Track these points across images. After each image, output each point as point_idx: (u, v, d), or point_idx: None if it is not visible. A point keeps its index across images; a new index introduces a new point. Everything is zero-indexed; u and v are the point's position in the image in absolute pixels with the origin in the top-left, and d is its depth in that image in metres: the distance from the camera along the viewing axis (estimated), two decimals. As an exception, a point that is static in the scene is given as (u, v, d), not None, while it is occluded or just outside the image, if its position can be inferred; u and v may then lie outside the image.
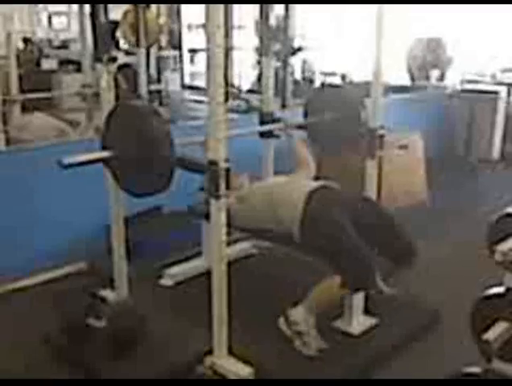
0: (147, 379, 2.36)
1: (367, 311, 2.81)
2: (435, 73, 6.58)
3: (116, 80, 2.88)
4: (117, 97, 2.65)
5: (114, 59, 2.62)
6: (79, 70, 5.77)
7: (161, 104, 5.90)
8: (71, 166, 2.27)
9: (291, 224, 2.62)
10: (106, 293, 2.99)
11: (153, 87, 4.86)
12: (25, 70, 6.90)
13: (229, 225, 2.36)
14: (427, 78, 6.61)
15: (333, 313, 2.73)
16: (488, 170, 5.85)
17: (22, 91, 5.80)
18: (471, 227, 4.17)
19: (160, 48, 7.73)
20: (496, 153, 6.15)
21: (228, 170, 2.23)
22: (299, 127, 3.20)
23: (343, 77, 8.28)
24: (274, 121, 3.33)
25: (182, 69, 8.99)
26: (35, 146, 3.60)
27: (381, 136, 2.94)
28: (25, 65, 7.11)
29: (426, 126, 5.45)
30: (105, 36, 2.61)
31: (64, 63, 7.49)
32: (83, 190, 3.24)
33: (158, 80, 6.50)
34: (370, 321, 2.78)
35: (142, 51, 4.35)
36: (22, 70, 6.73)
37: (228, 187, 2.25)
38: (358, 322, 2.75)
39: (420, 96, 6.13)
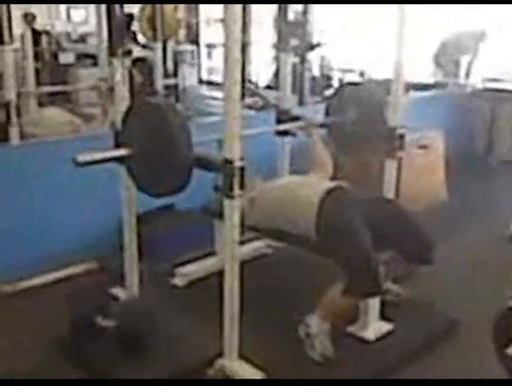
0: (148, 379, 2.30)
1: (383, 316, 2.72)
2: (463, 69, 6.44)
3: (131, 74, 2.82)
4: (131, 92, 2.60)
5: (129, 53, 2.57)
6: (96, 64, 5.76)
7: (177, 99, 5.84)
8: (86, 164, 2.22)
9: (304, 225, 2.55)
10: (117, 292, 2.95)
11: (169, 81, 4.80)
12: (42, 63, 6.92)
13: (242, 225, 2.30)
14: (456, 74, 6.45)
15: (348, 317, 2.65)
16: (509, 173, 5.69)
17: (38, 84, 5.81)
18: (491, 232, 4.09)
19: (178, 43, 7.68)
20: (517, 154, 6.01)
21: (243, 169, 2.17)
22: (320, 126, 3.11)
23: (361, 74, 8.17)
24: (292, 119, 3.25)
25: (199, 64, 8.93)
26: (48, 141, 3.54)
27: (402, 135, 2.86)
28: (42, 58, 7.12)
29: (446, 125, 5.32)
30: (119, 29, 2.55)
31: (81, 56, 7.47)
32: (96, 186, 3.17)
33: (175, 75, 6.44)
34: (386, 326, 2.70)
35: (159, 45, 4.29)
36: (40, 63, 6.78)
37: (242, 187, 2.18)
38: (373, 328, 2.66)
39: (441, 94, 6.00)
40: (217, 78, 8.43)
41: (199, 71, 8.86)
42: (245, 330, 2.29)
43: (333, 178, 3.00)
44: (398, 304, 2.84)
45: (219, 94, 6.33)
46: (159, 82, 4.19)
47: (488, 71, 6.60)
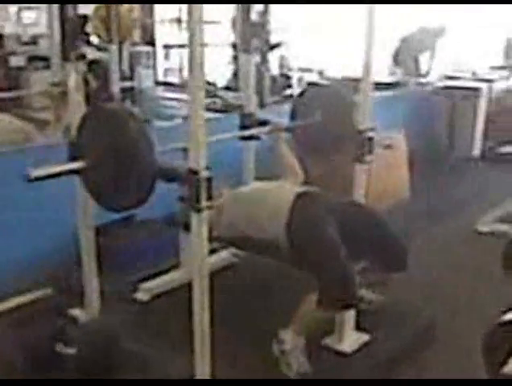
0: (148, 379, 2.19)
1: (359, 327, 2.63)
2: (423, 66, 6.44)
3: (86, 79, 2.65)
4: (87, 98, 2.44)
5: (83, 57, 2.39)
6: (49, 66, 5.51)
7: (133, 102, 5.64)
8: (39, 179, 2.04)
9: (273, 231, 2.44)
10: (76, 313, 2.78)
11: (125, 84, 4.61)
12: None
13: (209, 237, 2.17)
14: (416, 72, 6.44)
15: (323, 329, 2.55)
16: (469, 169, 5.73)
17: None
18: (457, 230, 4.07)
19: (133, 44, 7.45)
20: (477, 150, 6.04)
21: (210, 180, 2.03)
22: (286, 129, 3.00)
23: (320, 73, 8.12)
24: (259, 123, 3.12)
25: (155, 65, 8.72)
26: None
27: (371, 138, 2.77)
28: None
29: (407, 124, 5.31)
30: (73, 32, 2.38)
31: (32, 59, 7.16)
32: (47, 198, 2.92)
33: (131, 77, 6.23)
34: (363, 337, 2.60)
35: (115, 46, 4.10)
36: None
37: (210, 198, 2.05)
38: (350, 340, 2.56)
39: (402, 93, 5.98)
40: (174, 79, 8.24)
41: (155, 73, 8.64)
42: (216, 348, 2.16)
43: (305, 182, 2.89)
44: (373, 312, 2.75)
45: (176, 95, 6.17)
46: (116, 85, 4.00)
47: (447, 68, 6.65)
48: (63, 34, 2.35)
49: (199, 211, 2.03)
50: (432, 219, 4.25)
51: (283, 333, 2.35)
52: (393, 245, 2.52)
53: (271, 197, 2.53)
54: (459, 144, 5.98)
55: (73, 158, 2.28)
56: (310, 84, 3.58)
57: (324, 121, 3.04)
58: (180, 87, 6.37)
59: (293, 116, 3.14)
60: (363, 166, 2.81)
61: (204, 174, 2.01)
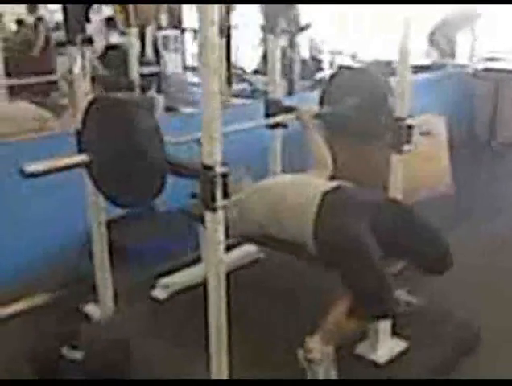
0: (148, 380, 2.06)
1: (395, 332, 2.39)
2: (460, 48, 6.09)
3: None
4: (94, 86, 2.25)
5: (90, 41, 2.19)
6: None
7: (159, 88, 5.46)
8: (36, 175, 1.85)
9: (300, 235, 2.19)
10: (90, 309, 2.61)
11: (148, 70, 4.40)
12: (17, 53, 6.53)
13: (227, 235, 1.96)
14: (452, 54, 6.10)
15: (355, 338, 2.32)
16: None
17: (8, 75, 5.41)
18: (503, 227, 3.75)
19: (160, 28, 7.26)
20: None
21: (225, 176, 1.81)
22: (316, 116, 2.75)
23: (353, 56, 7.82)
24: (285, 110, 2.88)
25: (183, 50, 8.53)
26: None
27: (410, 126, 2.51)
28: (18, 48, 6.72)
29: (446, 109, 4.99)
30: (77, 13, 2.17)
31: (60, 45, 7.03)
32: (62, 189, 2.74)
33: (158, 63, 6.05)
34: (399, 345, 2.36)
35: (133, 30, 3.90)
36: (15, 53, 6.38)
37: (226, 196, 1.83)
38: (385, 348, 2.33)
39: (440, 75, 5.64)
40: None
41: (183, 58, 8.45)
42: (236, 353, 1.98)
43: (332, 176, 2.63)
44: (411, 315, 2.50)
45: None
46: (134, 72, 3.80)
47: (488, 51, 6.28)
48: (65, 15, 2.14)
49: (214, 210, 1.82)
50: (477, 215, 3.90)
51: (310, 340, 2.12)
52: (434, 245, 2.25)
53: (296, 194, 2.28)
54: (502, 130, 5.61)
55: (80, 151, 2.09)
56: (342, 67, 3.30)
57: (357, 106, 2.79)
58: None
59: (323, 101, 2.89)
60: (401, 156, 2.56)
61: (220, 169, 1.80)
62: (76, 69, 2.19)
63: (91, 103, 1.95)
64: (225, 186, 1.82)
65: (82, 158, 1.96)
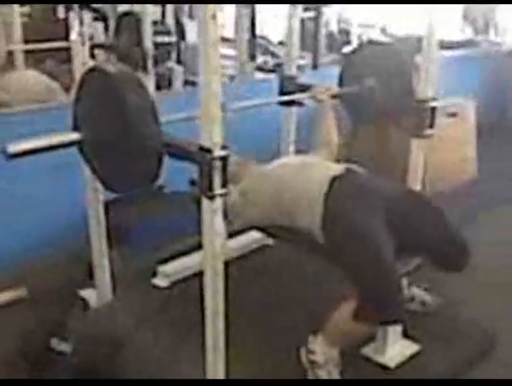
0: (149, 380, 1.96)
1: (406, 334, 2.22)
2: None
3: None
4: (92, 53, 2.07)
5: (88, 5, 2.02)
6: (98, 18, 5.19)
7: (179, 60, 5.25)
8: (21, 155, 1.69)
9: (308, 222, 2.01)
10: (87, 294, 2.49)
11: (162, 39, 4.22)
12: (39, 18, 6.38)
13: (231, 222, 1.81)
14: (487, 31, 5.79)
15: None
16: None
17: (26, 41, 5.26)
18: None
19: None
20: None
21: (225, 160, 1.65)
22: (334, 97, 2.55)
23: (383, 30, 7.52)
24: (301, 88, 2.68)
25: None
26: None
27: (433, 109, 2.31)
28: (39, 13, 6.57)
29: (477, 90, 4.72)
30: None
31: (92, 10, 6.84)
32: (61, 167, 2.61)
33: (182, 33, 5.81)
34: (410, 348, 2.20)
35: (146, -4, 3.70)
36: (36, 18, 6.23)
37: (225, 183, 1.67)
38: (394, 350, 2.16)
39: (473, 53, 5.34)
40: (229, 34, 7.79)
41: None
42: (235, 350, 1.85)
43: (347, 160, 2.43)
44: (425, 315, 2.33)
45: (229, 51, 5.74)
46: (149, 41, 3.62)
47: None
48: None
49: (211, 198, 1.66)
50: (503, 207, 3.67)
51: (314, 341, 1.97)
52: (453, 242, 2.06)
53: (303, 180, 2.08)
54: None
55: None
56: (364, 42, 3.07)
57: (378, 86, 2.59)
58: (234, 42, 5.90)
59: (342, 79, 2.69)
60: (422, 141, 2.36)
61: (219, 152, 1.63)
62: (74, 35, 2.02)
63: (85, 74, 1.79)
64: (224, 171, 1.66)
65: (72, 136, 1.79)
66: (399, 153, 2.73)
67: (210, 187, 1.64)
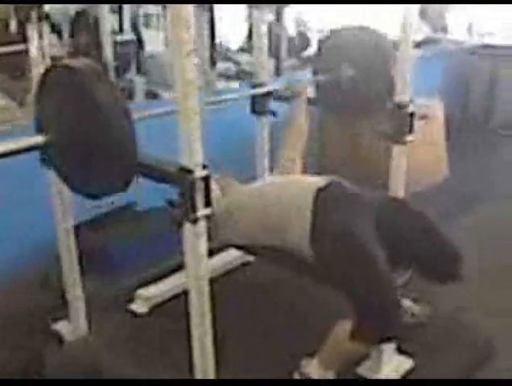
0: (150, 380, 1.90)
1: (400, 349, 2.13)
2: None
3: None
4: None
5: (48, 17, 1.87)
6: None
7: (139, 69, 5.09)
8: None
9: (297, 238, 1.91)
10: (62, 328, 2.32)
11: (125, 49, 4.03)
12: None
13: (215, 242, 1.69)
14: (445, 28, 5.81)
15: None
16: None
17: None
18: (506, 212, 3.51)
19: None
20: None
21: (207, 180, 1.53)
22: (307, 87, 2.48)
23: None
24: (270, 94, 2.59)
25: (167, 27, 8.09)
26: None
27: (412, 114, 2.24)
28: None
29: (441, 88, 4.72)
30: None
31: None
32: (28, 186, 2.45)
33: (139, 42, 5.64)
34: (405, 363, 2.11)
35: (105, 7, 3.52)
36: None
37: (209, 203, 1.55)
38: (389, 367, 2.07)
39: (435, 52, 5.33)
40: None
41: (167, 36, 8.01)
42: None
43: (322, 165, 2.33)
44: (416, 327, 2.25)
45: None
46: (108, 45, 3.41)
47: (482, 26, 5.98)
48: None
49: (194, 221, 1.54)
50: (478, 206, 3.64)
51: (308, 365, 1.86)
52: (443, 251, 1.98)
53: (289, 193, 1.99)
54: (500, 110, 5.33)
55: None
56: (337, 29, 2.92)
57: (354, 76, 2.51)
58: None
59: (315, 70, 2.61)
60: (403, 147, 2.29)
61: (201, 172, 1.51)
62: (33, 50, 1.87)
63: (45, 73, 1.64)
64: (207, 191, 1.54)
65: (36, 139, 1.64)
66: (372, 156, 2.63)
67: (193, 209, 1.53)
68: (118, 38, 4.20)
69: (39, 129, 1.68)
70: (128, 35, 5.02)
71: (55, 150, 1.67)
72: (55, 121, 1.64)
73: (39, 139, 1.66)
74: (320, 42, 2.75)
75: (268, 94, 2.61)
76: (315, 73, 2.65)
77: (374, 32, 2.52)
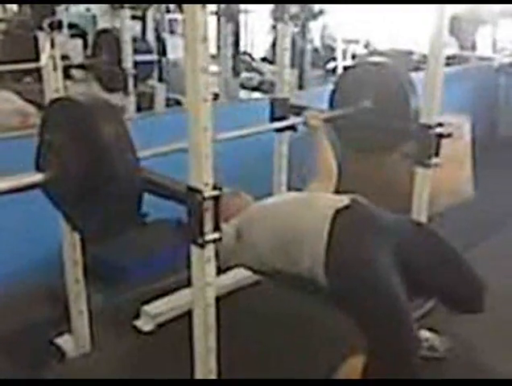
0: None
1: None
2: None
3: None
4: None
5: (60, 25, 1.81)
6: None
7: (160, 78, 5.04)
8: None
9: (311, 264, 1.78)
10: (64, 343, 2.24)
11: (141, 57, 3.99)
12: (15, 35, 6.13)
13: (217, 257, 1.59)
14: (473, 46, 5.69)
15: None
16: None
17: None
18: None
19: (168, 11, 6.80)
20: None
21: (217, 200, 1.45)
22: (326, 120, 2.35)
23: (366, 45, 7.42)
24: (294, 110, 2.48)
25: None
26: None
27: (440, 136, 2.13)
28: (18, 29, 6.32)
29: (469, 107, 4.58)
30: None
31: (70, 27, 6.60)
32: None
33: (163, 50, 5.59)
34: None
35: (126, 12, 3.48)
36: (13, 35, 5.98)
37: (218, 227, 1.46)
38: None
39: (464, 69, 5.20)
40: (211, 49, 7.58)
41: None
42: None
43: (337, 190, 2.20)
44: (436, 361, 2.13)
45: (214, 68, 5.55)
46: (129, 59, 3.40)
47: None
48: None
49: (202, 245, 1.45)
50: (503, 228, 3.49)
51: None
52: (467, 281, 1.87)
53: (305, 215, 1.87)
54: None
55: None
56: (355, 56, 2.86)
57: (372, 109, 2.41)
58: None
59: (333, 101, 2.51)
60: (427, 170, 2.19)
61: (210, 192, 1.43)
62: (44, 59, 1.80)
63: (49, 106, 1.57)
64: (216, 213, 1.46)
65: (35, 177, 1.55)
66: (396, 180, 2.52)
67: (201, 232, 1.44)
68: (140, 45, 4.15)
69: (40, 166, 1.60)
70: (149, 43, 4.99)
71: (55, 190, 1.59)
72: (57, 159, 1.55)
73: (38, 178, 1.58)
74: (338, 77, 2.67)
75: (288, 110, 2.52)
76: (332, 103, 2.55)
77: (392, 67, 2.46)
